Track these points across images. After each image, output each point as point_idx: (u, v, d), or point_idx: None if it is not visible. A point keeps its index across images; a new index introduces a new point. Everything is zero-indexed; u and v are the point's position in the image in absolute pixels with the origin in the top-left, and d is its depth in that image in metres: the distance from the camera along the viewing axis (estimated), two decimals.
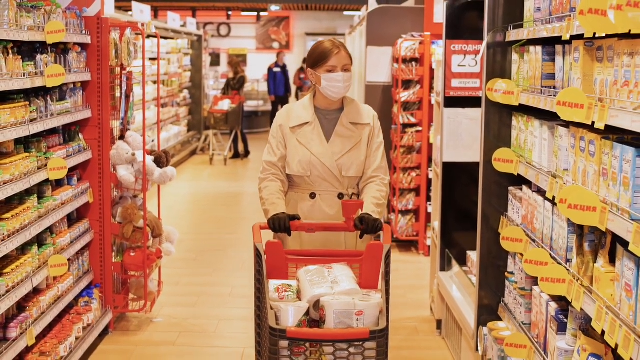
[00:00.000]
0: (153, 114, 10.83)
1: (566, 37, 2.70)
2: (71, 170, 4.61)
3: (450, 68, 4.92)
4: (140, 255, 5.13)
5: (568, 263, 2.85)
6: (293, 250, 3.33)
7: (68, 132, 4.74)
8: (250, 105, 17.87)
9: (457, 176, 5.05)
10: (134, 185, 5.12)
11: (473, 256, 4.44)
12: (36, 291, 4.20)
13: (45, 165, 4.19)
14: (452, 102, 4.97)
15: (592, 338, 2.67)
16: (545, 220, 3.11)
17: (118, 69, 5.21)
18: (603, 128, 2.40)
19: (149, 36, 10.14)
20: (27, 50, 4.13)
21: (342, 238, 3.53)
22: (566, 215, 2.51)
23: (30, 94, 4.17)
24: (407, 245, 7.60)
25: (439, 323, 5.19)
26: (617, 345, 2.29)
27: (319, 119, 3.58)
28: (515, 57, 3.56)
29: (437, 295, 5.16)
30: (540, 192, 3.23)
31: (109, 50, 4.89)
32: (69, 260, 4.42)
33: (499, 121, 3.73)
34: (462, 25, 4.91)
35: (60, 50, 4.52)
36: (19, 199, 4.04)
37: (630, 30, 2.09)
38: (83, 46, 4.81)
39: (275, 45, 21.35)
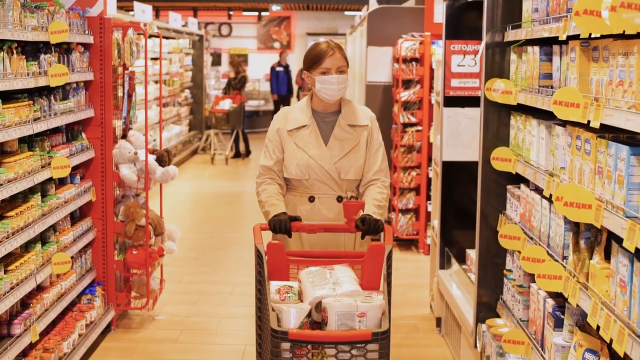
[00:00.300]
0: (155, 113, 10.84)
1: (563, 37, 2.73)
2: (74, 169, 4.63)
3: (449, 68, 4.94)
4: (142, 253, 5.16)
5: (564, 260, 2.87)
6: (294, 252, 3.29)
7: (71, 131, 4.77)
8: (251, 104, 17.88)
9: (457, 175, 5.07)
10: (136, 184, 5.15)
11: (472, 254, 4.46)
12: (40, 288, 4.24)
13: (49, 163, 4.23)
14: (451, 101, 4.99)
15: (588, 334, 2.70)
16: (543, 218, 3.13)
17: (120, 69, 5.23)
18: (598, 127, 2.43)
19: (150, 36, 10.19)
20: (31, 50, 4.17)
21: (341, 240, 3.48)
22: (562, 212, 2.52)
23: (34, 94, 4.21)
24: (407, 244, 7.63)
25: (438, 321, 5.21)
26: (611, 340, 2.32)
27: (317, 122, 3.53)
28: (513, 57, 3.58)
29: (436, 293, 5.19)
30: (538, 190, 3.25)
31: (112, 50, 4.92)
32: (72, 258, 4.46)
33: (498, 120, 3.74)
34: (461, 25, 4.92)
35: (64, 50, 4.56)
36: (23, 197, 4.07)
37: (624, 31, 2.12)
38: (86, 46, 4.84)
39: (277, 45, 21.36)
